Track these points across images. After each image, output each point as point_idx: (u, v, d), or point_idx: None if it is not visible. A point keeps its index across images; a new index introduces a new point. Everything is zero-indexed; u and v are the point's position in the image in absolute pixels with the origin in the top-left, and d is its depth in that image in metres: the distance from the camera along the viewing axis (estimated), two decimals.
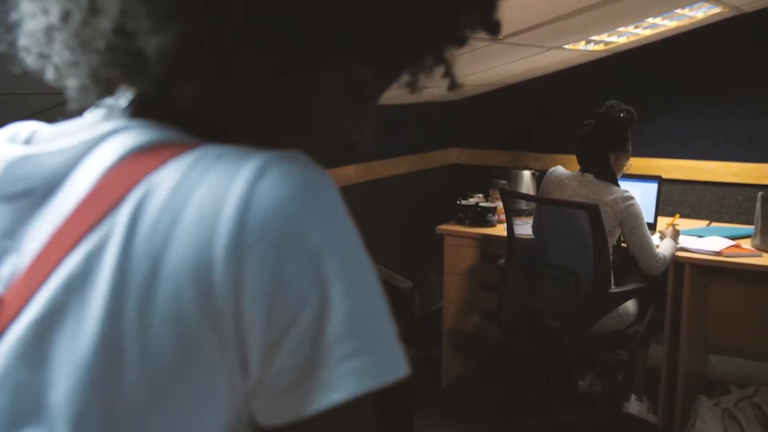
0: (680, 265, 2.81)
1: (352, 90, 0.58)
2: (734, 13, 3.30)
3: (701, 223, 3.42)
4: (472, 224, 3.35)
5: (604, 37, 3.21)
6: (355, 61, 0.56)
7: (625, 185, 2.83)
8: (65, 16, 0.51)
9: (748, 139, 3.52)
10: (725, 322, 3.01)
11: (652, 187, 3.28)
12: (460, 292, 3.39)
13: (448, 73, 0.59)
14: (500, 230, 3.19)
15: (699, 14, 3.18)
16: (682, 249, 2.86)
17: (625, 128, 2.81)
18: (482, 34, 0.59)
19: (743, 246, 2.90)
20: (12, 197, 0.53)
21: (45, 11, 0.53)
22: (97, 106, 0.58)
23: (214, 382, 0.48)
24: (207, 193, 0.47)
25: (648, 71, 3.72)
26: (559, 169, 2.93)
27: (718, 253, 2.80)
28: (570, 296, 2.75)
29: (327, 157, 0.59)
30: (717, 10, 3.16)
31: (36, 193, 0.52)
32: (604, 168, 2.80)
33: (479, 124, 4.28)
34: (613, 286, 2.72)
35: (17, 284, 0.50)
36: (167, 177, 0.48)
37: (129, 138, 0.52)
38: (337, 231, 0.48)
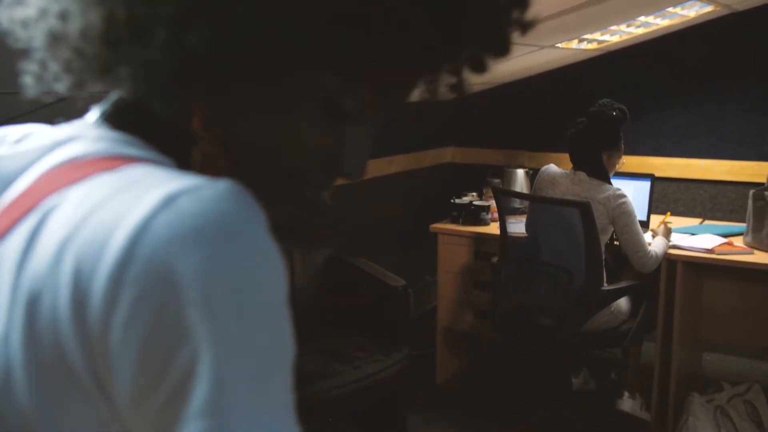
0: (673, 263, 2.82)
1: (325, 105, 0.53)
2: (726, 11, 3.32)
3: (694, 221, 3.43)
4: (465, 223, 3.36)
5: (597, 35, 3.22)
6: (324, 73, 0.52)
7: (617, 183, 2.84)
8: (43, 12, 0.51)
9: (740, 137, 3.54)
10: (718, 320, 3.02)
11: (645, 185, 3.29)
12: (454, 290, 3.40)
13: (458, 86, 0.56)
14: (494, 229, 3.20)
15: (691, 13, 3.20)
16: (675, 247, 2.87)
17: (617, 127, 2.82)
18: (488, 55, 0.55)
19: (735, 243, 2.91)
20: None
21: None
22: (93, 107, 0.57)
23: (94, 415, 0.44)
24: (106, 215, 0.44)
25: (641, 70, 3.73)
26: (552, 168, 2.94)
27: (710, 251, 2.81)
28: (562, 294, 2.76)
29: (313, 180, 0.57)
30: (709, 8, 3.17)
31: None
32: (597, 166, 2.81)
33: (474, 123, 4.29)
34: (605, 284, 2.73)
35: None
36: (78, 192, 0.46)
37: (75, 147, 0.51)
38: (232, 286, 0.42)
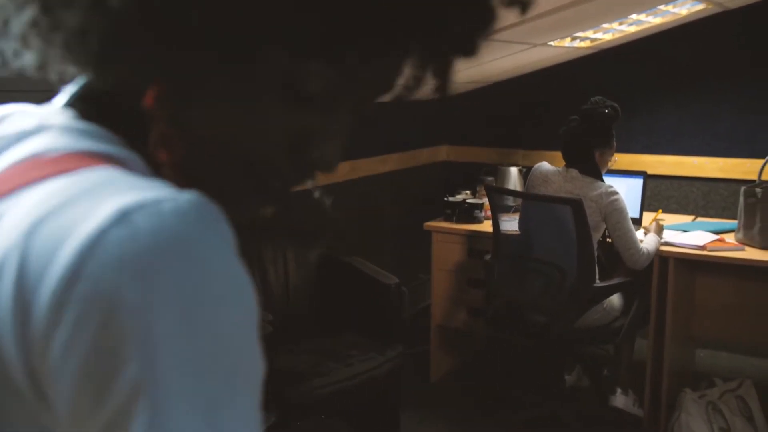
0: (665, 260, 2.84)
1: (286, 87, 0.50)
2: (718, 9, 3.33)
3: (687, 218, 3.45)
4: (459, 221, 3.37)
5: (590, 34, 3.23)
6: (289, 55, 0.48)
7: (610, 181, 2.86)
8: None
9: (733, 134, 3.55)
10: (710, 316, 3.04)
11: (638, 183, 3.31)
12: (448, 288, 3.41)
13: (441, 85, 0.52)
14: (488, 226, 3.21)
15: (683, 11, 3.21)
16: (667, 243, 2.88)
17: (609, 124, 2.83)
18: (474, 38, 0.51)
19: (727, 240, 2.93)
20: None
21: None
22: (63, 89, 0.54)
23: (37, 428, 0.43)
24: (56, 226, 0.41)
25: (634, 68, 3.74)
26: (545, 165, 2.95)
27: (702, 248, 2.83)
28: (555, 291, 2.77)
29: (279, 170, 0.54)
30: (700, 6, 3.19)
31: None
32: (589, 164, 2.82)
33: (468, 122, 4.30)
34: (597, 281, 2.75)
35: None
36: (32, 199, 0.43)
37: (39, 140, 0.48)
38: (183, 314, 0.40)
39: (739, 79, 3.53)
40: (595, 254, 2.75)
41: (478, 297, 3.29)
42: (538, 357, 3.41)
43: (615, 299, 2.85)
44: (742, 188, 2.94)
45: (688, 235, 2.98)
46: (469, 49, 0.52)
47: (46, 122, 0.50)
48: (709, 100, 3.60)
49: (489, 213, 3.21)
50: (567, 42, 3.25)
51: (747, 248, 2.85)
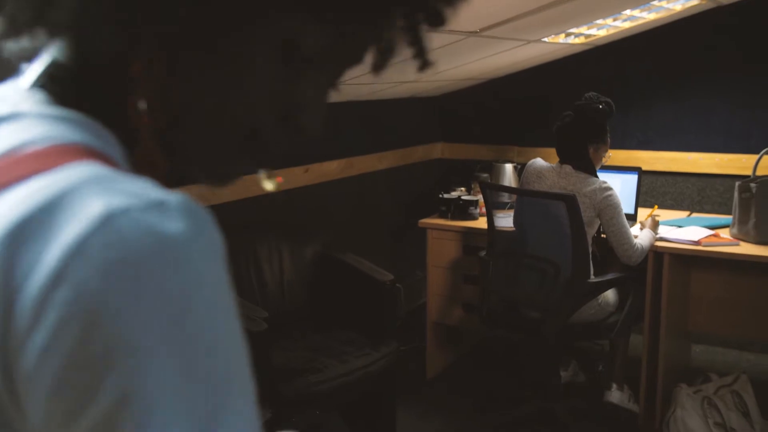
0: (660, 255, 2.84)
1: (282, 47, 0.50)
2: (712, 5, 3.33)
3: (683, 214, 3.45)
4: (454, 217, 3.37)
5: (584, 29, 3.23)
6: (286, 13, 0.49)
7: (605, 177, 2.85)
8: None
9: (728, 130, 3.56)
10: (705, 311, 3.04)
11: (632, 179, 3.31)
12: (443, 285, 3.41)
13: (418, 52, 0.52)
14: (482, 223, 3.21)
15: (677, 6, 3.21)
16: (662, 239, 2.88)
17: (603, 120, 2.83)
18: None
19: (722, 235, 2.93)
20: None
21: None
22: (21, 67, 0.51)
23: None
24: (45, 224, 0.40)
25: (629, 64, 3.74)
26: (539, 161, 2.95)
27: (697, 243, 2.83)
28: (549, 286, 2.77)
29: (267, 137, 0.53)
30: (695, 2, 3.19)
31: None
32: (583, 160, 2.82)
33: (462, 119, 4.30)
34: (592, 276, 2.75)
35: None
36: (18, 194, 0.41)
37: (14, 132, 0.46)
38: (168, 320, 0.39)
39: (733, 75, 3.53)
40: (590, 250, 2.75)
41: (473, 293, 3.29)
42: (534, 353, 3.41)
43: (610, 295, 2.85)
44: (737, 183, 2.94)
45: (683, 230, 2.98)
46: (439, 19, 0.52)
47: (18, 108, 0.48)
48: (704, 96, 3.60)
49: (484, 209, 3.21)
50: (561, 38, 3.24)
51: (742, 243, 2.85)
